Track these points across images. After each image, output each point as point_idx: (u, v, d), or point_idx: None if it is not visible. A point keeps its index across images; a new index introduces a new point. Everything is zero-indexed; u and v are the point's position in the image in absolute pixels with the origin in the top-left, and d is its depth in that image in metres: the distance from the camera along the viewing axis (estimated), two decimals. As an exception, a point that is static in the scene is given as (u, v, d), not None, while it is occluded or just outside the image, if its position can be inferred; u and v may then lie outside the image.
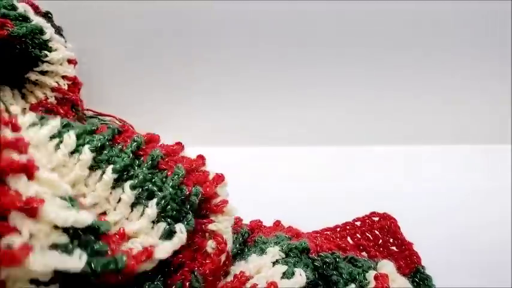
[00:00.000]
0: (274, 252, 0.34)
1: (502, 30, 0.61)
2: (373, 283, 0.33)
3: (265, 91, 0.63)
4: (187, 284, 0.28)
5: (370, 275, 0.34)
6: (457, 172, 0.62)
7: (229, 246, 0.32)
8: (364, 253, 0.47)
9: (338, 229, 0.49)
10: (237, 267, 0.33)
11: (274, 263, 0.33)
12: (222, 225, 0.31)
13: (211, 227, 0.31)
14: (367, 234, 0.49)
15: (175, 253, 0.28)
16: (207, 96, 0.63)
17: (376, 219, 0.49)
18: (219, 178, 0.33)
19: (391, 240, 0.48)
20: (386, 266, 0.36)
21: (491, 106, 0.66)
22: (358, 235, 0.49)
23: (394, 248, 0.47)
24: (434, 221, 0.52)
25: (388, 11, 0.59)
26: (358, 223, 0.50)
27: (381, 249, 0.47)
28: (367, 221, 0.49)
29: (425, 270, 0.43)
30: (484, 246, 0.49)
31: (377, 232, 0.48)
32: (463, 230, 0.51)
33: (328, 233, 0.50)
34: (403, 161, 0.64)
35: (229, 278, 0.32)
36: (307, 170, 0.62)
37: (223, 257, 0.31)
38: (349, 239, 0.48)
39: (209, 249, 0.30)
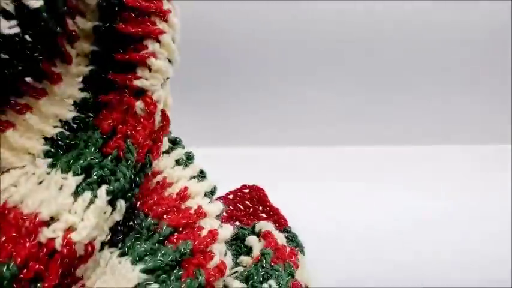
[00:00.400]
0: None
1: (502, 30, 0.64)
2: (258, 243, 0.38)
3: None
4: (121, 153, 0.28)
5: (249, 240, 0.39)
6: (457, 172, 0.63)
7: (160, 107, 0.31)
8: (237, 223, 0.51)
9: (212, 203, 0.52)
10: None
11: None
12: (148, 82, 0.30)
13: (136, 83, 0.29)
14: (239, 205, 0.53)
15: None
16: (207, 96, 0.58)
17: (247, 191, 0.54)
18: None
19: (260, 208, 0.53)
20: (267, 225, 0.40)
21: (491, 106, 0.69)
22: (231, 207, 0.52)
23: (263, 215, 0.52)
24: (435, 221, 0.53)
25: (392, 11, 0.60)
26: (230, 196, 0.53)
27: (252, 217, 0.52)
28: (239, 193, 0.53)
29: (291, 229, 0.49)
30: (484, 246, 0.49)
31: (248, 202, 0.53)
32: (463, 230, 0.52)
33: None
34: (403, 161, 0.65)
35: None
36: (306, 169, 0.62)
37: (157, 118, 0.30)
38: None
39: (138, 111, 0.29)
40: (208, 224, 0.32)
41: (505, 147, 0.68)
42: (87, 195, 0.26)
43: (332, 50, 0.65)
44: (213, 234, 0.30)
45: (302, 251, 0.46)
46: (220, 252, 0.30)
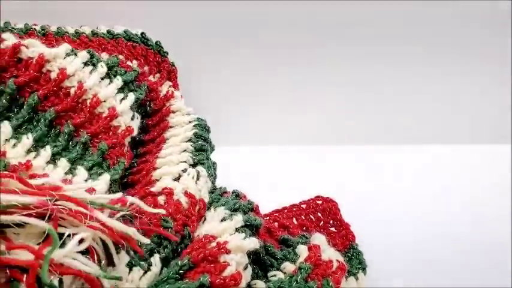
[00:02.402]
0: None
1: (502, 30, 0.62)
2: (305, 254, 0.38)
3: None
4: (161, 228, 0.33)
5: (299, 249, 0.39)
6: (457, 172, 0.63)
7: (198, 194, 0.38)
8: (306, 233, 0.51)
9: (285, 210, 0.53)
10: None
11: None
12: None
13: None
14: (311, 216, 0.53)
15: None
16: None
17: (320, 202, 0.54)
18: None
19: (331, 221, 0.52)
20: (318, 238, 0.40)
21: (491, 106, 0.68)
22: (302, 216, 0.53)
23: (333, 228, 0.52)
24: (434, 221, 0.53)
25: (390, 11, 0.61)
26: (303, 206, 0.54)
27: (322, 230, 0.51)
28: (312, 203, 0.54)
29: (358, 246, 0.47)
30: (484, 245, 0.50)
31: (319, 214, 0.53)
32: (463, 230, 0.52)
33: (277, 214, 0.54)
34: (403, 161, 0.65)
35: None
36: (309, 169, 0.63)
37: (184, 203, 0.37)
38: (294, 220, 0.53)
39: (161, 202, 0.36)
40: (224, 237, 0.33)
41: (505, 147, 0.67)
42: (143, 264, 0.30)
43: (333, 48, 0.63)
44: (219, 245, 0.31)
45: (364, 270, 0.44)
46: (239, 263, 0.31)
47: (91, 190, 0.30)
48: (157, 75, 0.53)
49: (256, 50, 0.62)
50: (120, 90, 0.42)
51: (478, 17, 0.62)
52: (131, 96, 0.43)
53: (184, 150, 0.45)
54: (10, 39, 0.37)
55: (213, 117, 0.56)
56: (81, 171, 0.36)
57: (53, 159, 0.36)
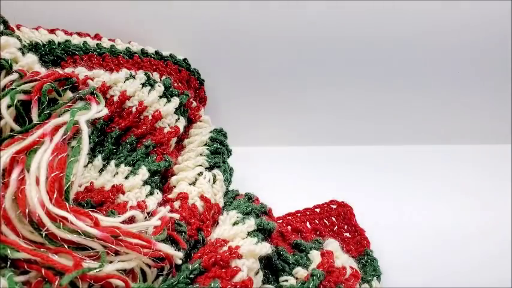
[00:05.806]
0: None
1: (502, 30, 0.62)
2: (318, 260, 0.37)
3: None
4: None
5: (312, 254, 0.38)
6: (457, 172, 0.63)
7: (213, 198, 0.40)
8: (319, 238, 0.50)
9: (299, 214, 0.53)
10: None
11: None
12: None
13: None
14: (325, 220, 0.52)
15: None
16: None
17: (334, 206, 0.53)
18: None
19: (345, 226, 0.51)
20: (332, 244, 0.40)
21: (491, 106, 0.68)
22: (316, 221, 0.52)
23: (347, 234, 0.51)
24: (434, 221, 0.53)
25: (389, 11, 0.60)
26: (317, 210, 0.53)
27: (336, 235, 0.51)
28: (326, 208, 0.53)
29: (372, 253, 0.46)
30: (484, 245, 0.50)
31: (333, 219, 0.52)
32: (463, 230, 0.52)
33: (290, 218, 0.53)
34: (403, 161, 0.65)
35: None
36: (312, 168, 0.63)
37: (199, 206, 0.38)
38: (308, 224, 0.52)
39: (176, 207, 0.37)
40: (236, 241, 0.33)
41: (505, 147, 0.68)
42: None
43: (334, 50, 0.62)
44: (230, 249, 0.31)
45: (378, 277, 0.43)
46: (250, 269, 0.30)
47: (143, 207, 0.34)
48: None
49: (256, 50, 0.62)
50: (176, 110, 0.46)
51: (478, 17, 0.62)
52: (183, 120, 0.46)
53: (200, 154, 0.45)
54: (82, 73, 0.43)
55: (221, 118, 0.58)
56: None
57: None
